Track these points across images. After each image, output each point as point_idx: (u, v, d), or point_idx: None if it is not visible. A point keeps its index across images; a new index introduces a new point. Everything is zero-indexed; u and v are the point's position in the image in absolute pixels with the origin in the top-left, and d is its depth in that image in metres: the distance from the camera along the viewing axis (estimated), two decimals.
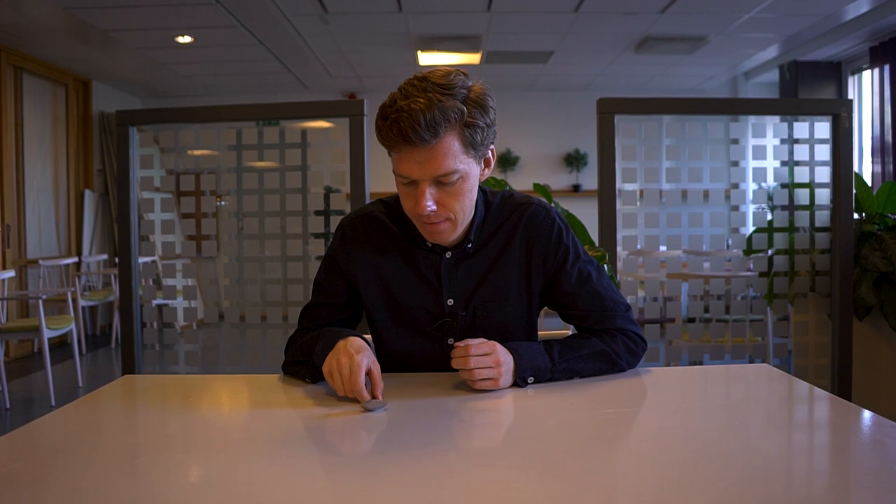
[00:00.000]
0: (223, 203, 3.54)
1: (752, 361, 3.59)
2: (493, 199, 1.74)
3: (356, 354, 1.50)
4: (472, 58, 7.76)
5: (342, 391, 1.49)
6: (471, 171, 1.57)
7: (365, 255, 1.73)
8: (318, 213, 3.46)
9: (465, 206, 1.59)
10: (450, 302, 1.71)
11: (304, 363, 1.67)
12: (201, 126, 3.53)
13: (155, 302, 3.57)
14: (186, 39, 6.83)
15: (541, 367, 1.61)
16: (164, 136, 3.51)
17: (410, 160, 1.51)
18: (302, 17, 6.29)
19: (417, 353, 1.73)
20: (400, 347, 1.70)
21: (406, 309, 1.71)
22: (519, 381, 1.58)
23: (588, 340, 1.69)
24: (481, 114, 1.53)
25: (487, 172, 1.64)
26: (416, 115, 1.45)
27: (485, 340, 1.57)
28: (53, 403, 5.18)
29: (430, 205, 1.54)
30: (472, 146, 1.54)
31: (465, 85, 1.53)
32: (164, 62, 7.77)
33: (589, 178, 9.48)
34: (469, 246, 1.70)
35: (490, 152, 1.62)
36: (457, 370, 1.57)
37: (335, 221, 2.89)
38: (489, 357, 1.55)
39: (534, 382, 1.60)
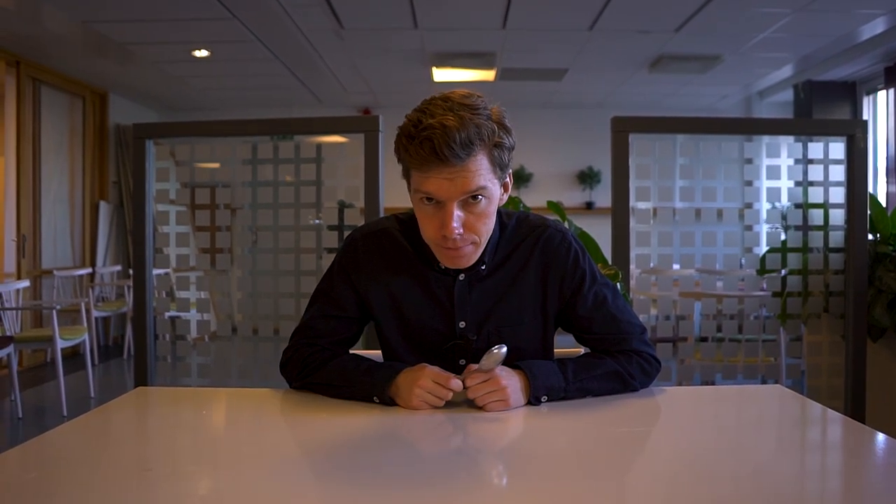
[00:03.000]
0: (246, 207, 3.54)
1: (764, 381, 3.57)
2: (509, 221, 1.72)
3: (422, 370, 1.58)
4: (487, 74, 7.78)
5: (443, 399, 1.56)
6: (495, 193, 1.55)
7: (377, 271, 1.71)
8: (331, 227, 3.47)
9: (489, 229, 1.59)
10: (462, 324, 1.69)
11: (342, 388, 1.66)
12: (217, 140, 3.55)
13: (168, 314, 3.58)
14: (203, 53, 6.88)
15: (555, 387, 1.60)
16: (180, 149, 3.54)
17: (440, 178, 1.48)
18: (318, 33, 6.33)
19: None
20: (412, 364, 1.69)
21: (417, 328, 1.70)
22: (533, 401, 1.58)
23: (603, 361, 1.69)
24: (506, 135, 1.52)
25: (505, 197, 1.62)
26: (450, 132, 1.43)
27: (482, 374, 1.57)
28: (65, 413, 5.20)
29: (458, 227, 1.51)
30: (500, 166, 1.53)
31: (487, 106, 1.51)
32: (180, 76, 7.82)
33: (602, 196, 9.47)
34: (483, 268, 1.68)
35: (508, 176, 1.61)
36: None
37: None
38: (489, 383, 1.55)
39: (547, 401, 1.60)
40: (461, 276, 1.68)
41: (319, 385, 1.69)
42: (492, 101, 1.55)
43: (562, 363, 1.65)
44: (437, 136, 1.43)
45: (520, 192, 9.37)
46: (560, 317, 1.76)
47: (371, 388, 1.61)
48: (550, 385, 1.60)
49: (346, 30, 6.22)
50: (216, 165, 3.58)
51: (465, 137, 1.44)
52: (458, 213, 1.51)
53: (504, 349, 1.57)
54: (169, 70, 7.58)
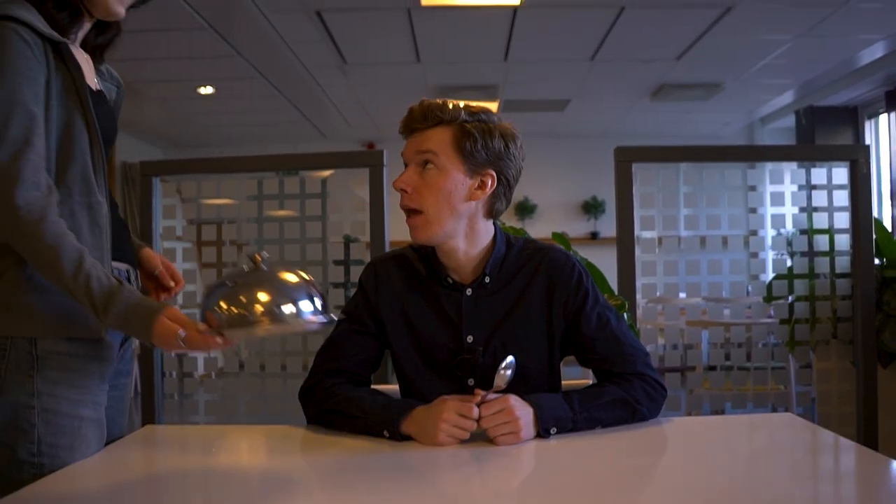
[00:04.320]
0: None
1: (774, 409, 3.54)
2: (516, 242, 1.80)
3: (443, 403, 1.57)
4: (490, 107, 7.81)
5: (468, 430, 1.55)
6: (453, 171, 1.66)
7: (392, 292, 1.78)
8: (337, 262, 3.47)
9: (439, 202, 1.65)
10: (469, 339, 1.73)
11: (355, 418, 1.65)
12: (223, 176, 3.57)
13: (175, 351, 3.57)
14: (208, 90, 6.93)
15: (562, 417, 1.61)
16: (186, 185, 3.55)
17: (410, 143, 1.71)
18: (322, 69, 6.38)
19: (439, 395, 1.72)
20: (423, 388, 1.72)
21: (428, 345, 1.75)
22: (542, 433, 1.58)
23: (607, 388, 1.70)
24: (481, 131, 1.66)
25: (480, 195, 1.68)
26: (419, 105, 1.70)
27: (498, 397, 1.57)
28: None
29: (404, 182, 1.67)
30: (462, 151, 1.65)
31: (487, 113, 1.70)
32: (185, 113, 7.88)
33: (607, 226, 9.46)
34: (487, 281, 1.74)
35: (489, 178, 1.68)
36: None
37: (355, 271, 2.91)
38: (502, 413, 1.55)
39: (556, 433, 1.60)
40: (468, 291, 1.74)
41: (334, 413, 1.69)
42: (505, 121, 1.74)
43: (566, 394, 1.66)
44: (411, 109, 1.72)
45: (524, 223, 9.37)
46: (565, 337, 1.78)
47: (383, 422, 1.61)
48: (558, 416, 1.60)
49: (349, 65, 6.27)
50: (223, 202, 3.59)
51: (426, 107, 1.69)
52: (412, 173, 1.68)
53: (511, 359, 1.62)
54: (174, 108, 7.64)
